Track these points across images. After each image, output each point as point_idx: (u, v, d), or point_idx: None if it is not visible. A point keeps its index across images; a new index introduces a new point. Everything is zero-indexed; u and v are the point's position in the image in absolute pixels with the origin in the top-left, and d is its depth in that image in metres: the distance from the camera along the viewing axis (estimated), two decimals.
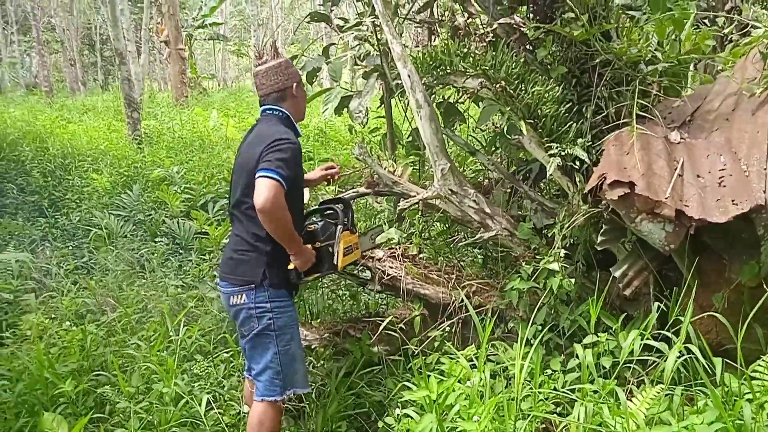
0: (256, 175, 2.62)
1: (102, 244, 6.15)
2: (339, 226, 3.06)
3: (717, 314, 2.66)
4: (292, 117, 2.98)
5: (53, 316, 4.16)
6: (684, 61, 3.56)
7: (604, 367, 2.82)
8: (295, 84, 2.97)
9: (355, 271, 3.69)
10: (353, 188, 3.98)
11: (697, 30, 3.68)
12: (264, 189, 2.57)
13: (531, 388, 2.68)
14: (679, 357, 2.43)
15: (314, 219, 3.21)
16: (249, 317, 2.81)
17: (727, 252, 3.00)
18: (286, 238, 2.75)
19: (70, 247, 6.35)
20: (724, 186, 2.81)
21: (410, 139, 4.58)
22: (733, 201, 2.72)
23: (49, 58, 27.99)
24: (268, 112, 2.96)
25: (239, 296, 2.81)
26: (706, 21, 4.25)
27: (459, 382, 2.65)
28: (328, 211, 3.20)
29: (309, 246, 2.94)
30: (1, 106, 15.59)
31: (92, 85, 31.87)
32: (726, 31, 3.57)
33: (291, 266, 2.87)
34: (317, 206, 3.33)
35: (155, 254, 5.75)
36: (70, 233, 6.94)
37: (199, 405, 2.88)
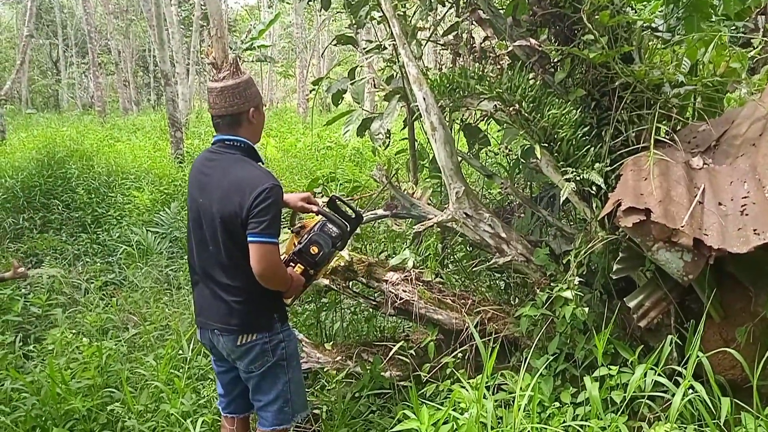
0: (248, 238, 2.48)
1: (133, 260, 6.28)
2: (335, 250, 2.87)
3: (731, 350, 2.52)
4: (251, 144, 2.69)
5: (77, 331, 4.26)
6: (719, 83, 3.44)
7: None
8: (252, 108, 2.65)
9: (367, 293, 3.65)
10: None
11: (734, 52, 3.56)
12: (262, 257, 2.47)
13: (538, 421, 2.60)
14: (691, 393, 2.31)
15: (315, 234, 2.83)
16: (263, 352, 2.66)
17: (753, 283, 2.85)
18: (284, 287, 2.68)
19: (104, 263, 6.51)
20: (747, 215, 2.68)
21: (433, 160, 4.54)
22: (755, 230, 2.59)
23: (105, 79, 29.15)
24: (227, 143, 2.64)
25: (250, 336, 2.64)
26: (745, 42, 4.11)
27: (462, 412, 2.57)
28: (331, 226, 2.84)
29: (298, 272, 2.77)
30: (55, 125, 16.24)
31: (145, 105, 32.99)
32: (753, 53, 3.43)
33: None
34: (326, 204, 2.98)
35: (182, 272, 5.84)
36: (109, 249, 7.13)
37: (194, 428, 2.85)
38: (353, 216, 3.00)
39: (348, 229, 2.90)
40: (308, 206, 2.91)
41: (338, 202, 2.99)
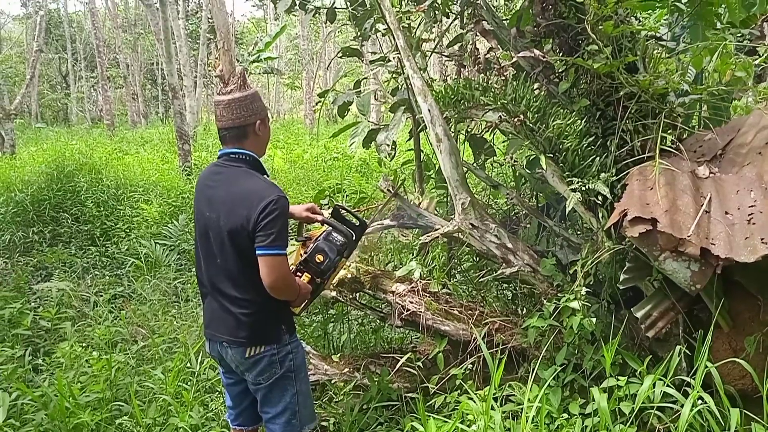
0: (257, 252, 2.51)
1: (141, 273, 6.31)
2: (342, 258, 2.92)
3: (740, 360, 2.50)
4: (257, 156, 2.73)
5: (86, 344, 4.28)
6: (725, 92, 3.43)
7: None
8: (258, 121, 2.69)
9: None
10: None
11: (739, 60, 3.55)
12: (272, 269, 2.51)
13: None
14: (700, 404, 2.29)
15: (320, 243, 2.89)
16: (272, 363, 2.68)
17: (761, 292, 2.84)
18: (293, 297, 2.71)
19: (113, 276, 6.54)
20: (754, 223, 2.67)
21: (438, 171, 4.55)
22: (762, 239, 2.58)
23: (113, 92, 29.39)
24: (233, 156, 2.68)
25: (258, 348, 2.67)
26: (751, 50, 4.10)
27: (470, 424, 2.56)
28: (335, 234, 2.90)
29: (305, 281, 2.82)
30: (64, 139, 16.36)
31: (153, 118, 33.22)
32: (758, 61, 3.42)
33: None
34: (330, 214, 3.02)
35: (190, 284, 5.86)
36: (118, 262, 7.17)
37: None
38: (357, 224, 3.06)
39: (353, 237, 2.95)
40: (313, 216, 2.97)
41: (342, 212, 3.04)
